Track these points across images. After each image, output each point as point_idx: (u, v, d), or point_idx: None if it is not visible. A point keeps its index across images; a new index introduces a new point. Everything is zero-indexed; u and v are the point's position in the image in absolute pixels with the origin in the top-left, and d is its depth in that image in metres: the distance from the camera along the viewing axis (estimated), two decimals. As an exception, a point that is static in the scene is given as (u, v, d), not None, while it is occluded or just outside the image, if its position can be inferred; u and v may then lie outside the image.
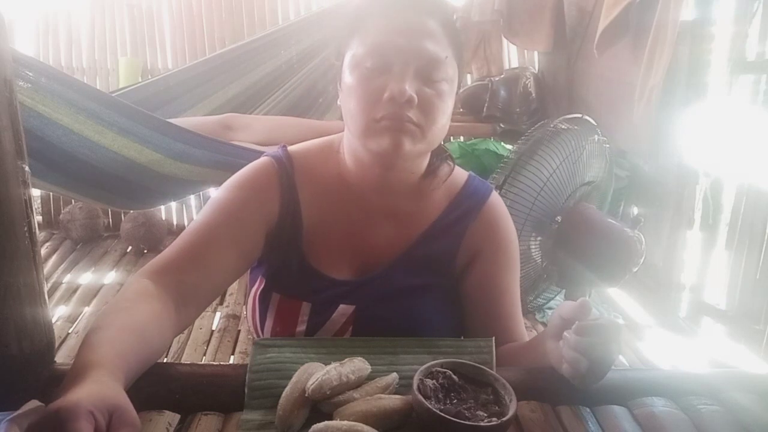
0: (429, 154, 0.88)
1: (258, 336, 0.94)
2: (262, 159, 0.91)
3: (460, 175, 0.94)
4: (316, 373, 0.64)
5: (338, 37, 0.86)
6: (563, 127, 1.81)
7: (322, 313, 0.87)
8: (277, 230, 0.88)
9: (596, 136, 1.82)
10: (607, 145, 1.85)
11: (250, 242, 0.86)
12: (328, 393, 0.63)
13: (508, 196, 1.74)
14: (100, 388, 0.55)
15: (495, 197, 0.94)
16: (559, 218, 1.86)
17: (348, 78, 0.81)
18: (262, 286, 0.93)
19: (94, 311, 2.49)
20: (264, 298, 0.92)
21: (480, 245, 0.90)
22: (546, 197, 1.81)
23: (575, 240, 1.83)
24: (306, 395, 0.62)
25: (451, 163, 0.93)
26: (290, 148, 0.93)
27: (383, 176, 0.86)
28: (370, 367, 0.68)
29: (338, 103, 0.85)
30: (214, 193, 0.88)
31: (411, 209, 0.90)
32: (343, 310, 0.87)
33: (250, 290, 0.98)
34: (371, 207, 0.89)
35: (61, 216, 3.43)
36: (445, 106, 0.80)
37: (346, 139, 0.89)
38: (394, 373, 0.69)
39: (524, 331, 0.92)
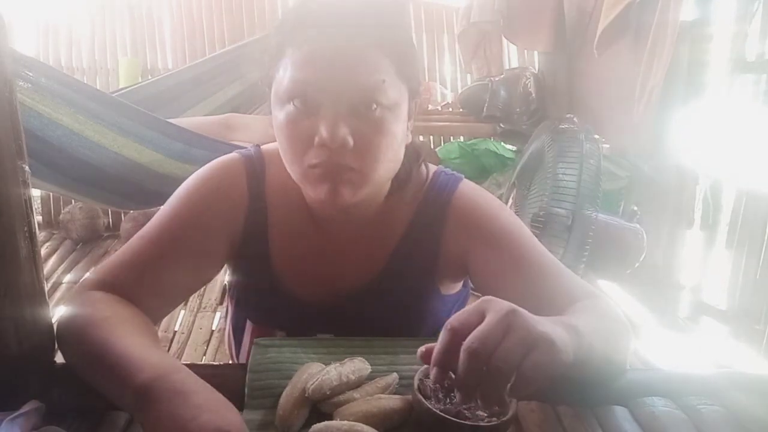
0: (390, 179, 0.79)
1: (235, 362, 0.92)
2: (231, 156, 0.82)
3: (425, 176, 0.83)
4: (316, 373, 0.64)
5: (263, 61, 0.74)
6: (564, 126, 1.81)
7: None
8: (242, 243, 0.80)
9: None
10: (588, 144, 1.84)
11: (213, 252, 0.79)
12: (328, 393, 0.62)
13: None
14: (228, 403, 0.54)
15: (461, 190, 0.82)
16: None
17: (277, 115, 0.71)
18: (232, 313, 0.88)
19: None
20: (236, 327, 0.87)
21: (465, 246, 0.80)
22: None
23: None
24: (306, 395, 0.62)
25: (424, 169, 0.83)
26: (264, 147, 0.83)
27: (338, 213, 0.78)
28: (370, 367, 0.68)
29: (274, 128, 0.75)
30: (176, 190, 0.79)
31: (377, 232, 0.81)
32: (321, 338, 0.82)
33: (226, 310, 0.94)
34: (336, 235, 0.81)
35: (61, 216, 3.43)
36: (389, 138, 0.70)
37: None
38: (395, 373, 0.69)
39: (581, 288, 0.75)
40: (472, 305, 0.56)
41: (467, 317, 0.54)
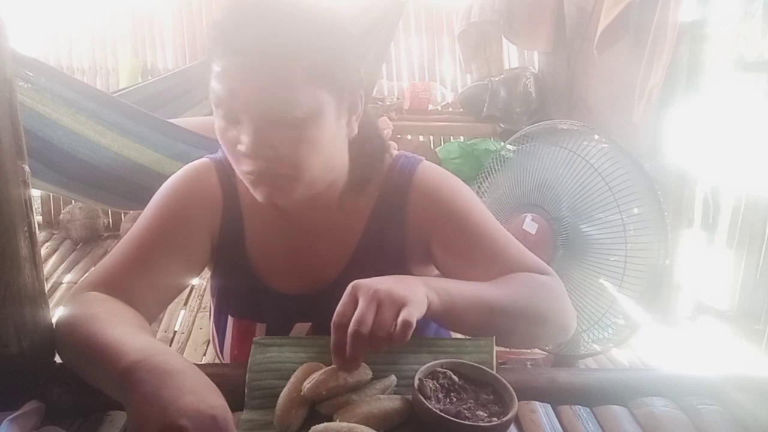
0: (343, 168, 0.81)
1: (221, 360, 0.93)
2: (201, 161, 0.85)
3: (387, 162, 0.85)
4: (313, 373, 0.64)
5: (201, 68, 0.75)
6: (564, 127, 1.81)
7: (279, 332, 0.84)
8: (220, 240, 0.83)
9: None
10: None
11: (196, 247, 0.81)
12: (324, 393, 0.62)
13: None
14: (212, 384, 0.54)
15: (421, 170, 0.84)
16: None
17: (215, 119, 0.74)
18: (214, 309, 0.90)
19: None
20: (219, 322, 0.89)
21: (429, 226, 0.82)
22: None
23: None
24: (302, 394, 0.62)
25: (388, 158, 0.85)
26: None
27: (295, 205, 0.80)
28: (371, 372, 0.68)
29: None
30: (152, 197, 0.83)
31: (343, 219, 0.83)
32: (300, 327, 0.84)
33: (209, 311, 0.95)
34: (304, 224, 0.84)
35: (61, 216, 3.43)
36: (313, 144, 0.70)
37: None
38: (393, 376, 0.68)
39: (533, 263, 0.80)
40: (344, 294, 0.64)
41: (344, 309, 0.63)
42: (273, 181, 0.72)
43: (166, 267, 0.77)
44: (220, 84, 0.69)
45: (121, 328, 0.62)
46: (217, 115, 0.72)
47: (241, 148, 0.69)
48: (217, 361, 0.96)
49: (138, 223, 0.79)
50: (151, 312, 0.77)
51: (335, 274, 0.84)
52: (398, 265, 0.84)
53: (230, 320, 0.87)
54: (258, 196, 0.74)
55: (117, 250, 0.77)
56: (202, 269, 0.85)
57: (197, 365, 0.71)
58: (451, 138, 3.35)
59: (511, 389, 0.63)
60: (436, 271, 0.90)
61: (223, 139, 0.72)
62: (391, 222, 0.83)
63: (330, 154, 0.75)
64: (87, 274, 0.78)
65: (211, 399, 0.50)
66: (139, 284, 0.75)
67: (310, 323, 0.84)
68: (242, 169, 0.72)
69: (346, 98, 0.74)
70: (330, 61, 0.71)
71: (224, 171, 0.83)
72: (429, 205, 0.82)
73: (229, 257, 0.84)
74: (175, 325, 2.37)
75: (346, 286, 0.78)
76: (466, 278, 0.78)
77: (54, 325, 0.69)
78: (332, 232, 0.84)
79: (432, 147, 3.37)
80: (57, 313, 0.70)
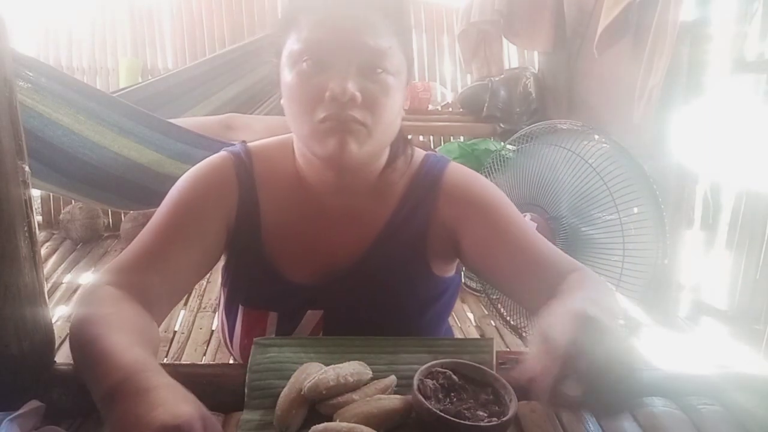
0: (387, 150, 0.84)
1: (230, 350, 0.94)
2: (219, 154, 0.87)
3: (416, 158, 0.88)
4: (313, 373, 0.64)
5: (275, 33, 0.80)
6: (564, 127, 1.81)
7: (290, 321, 0.85)
8: (236, 230, 0.84)
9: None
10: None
11: (212, 237, 0.82)
12: (324, 393, 0.62)
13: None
14: (186, 395, 0.53)
15: (452, 167, 0.87)
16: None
17: (287, 77, 0.76)
18: (225, 299, 0.91)
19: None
20: (229, 312, 0.89)
21: (456, 222, 0.83)
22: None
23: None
24: (302, 393, 0.62)
25: (410, 151, 0.87)
26: (250, 144, 0.89)
27: (338, 178, 0.81)
28: (371, 372, 0.68)
29: (281, 102, 0.80)
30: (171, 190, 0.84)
31: (370, 206, 0.85)
32: (312, 315, 0.85)
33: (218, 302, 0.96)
34: (329, 209, 0.84)
35: (61, 216, 3.43)
36: (392, 101, 0.75)
37: (295, 141, 0.84)
38: (393, 376, 0.69)
39: (567, 262, 0.80)
40: (532, 353, 0.57)
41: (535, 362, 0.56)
42: (350, 127, 0.72)
43: (182, 258, 0.78)
44: (314, 33, 0.73)
45: (119, 337, 0.61)
46: (298, 68, 0.74)
47: (328, 93, 0.71)
48: (221, 353, 0.97)
49: (156, 216, 0.81)
50: (168, 302, 0.78)
51: (351, 262, 0.84)
52: (417, 258, 0.85)
53: (241, 310, 0.87)
54: (328, 145, 0.73)
55: (136, 242, 0.78)
56: (218, 259, 0.86)
57: (197, 365, 0.71)
58: (451, 138, 3.35)
59: (511, 389, 0.63)
60: (451, 267, 0.91)
61: (306, 86, 0.73)
62: (417, 214, 0.84)
63: (395, 121, 0.78)
64: (107, 266, 0.76)
65: (177, 410, 0.50)
66: (156, 275, 0.75)
67: (321, 311, 0.85)
68: (320, 117, 0.72)
69: (410, 70, 0.80)
70: (409, 34, 0.80)
71: (241, 161, 0.85)
72: (460, 200, 0.84)
73: (244, 245, 0.85)
74: (175, 325, 2.37)
75: (362, 274, 0.83)
76: (498, 273, 0.83)
77: (71, 317, 0.68)
78: (354, 219, 0.85)
79: (432, 147, 3.37)
80: (57, 312, 0.70)
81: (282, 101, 0.79)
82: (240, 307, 0.87)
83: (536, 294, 0.77)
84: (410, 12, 0.79)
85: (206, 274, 0.84)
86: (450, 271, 0.91)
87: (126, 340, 0.61)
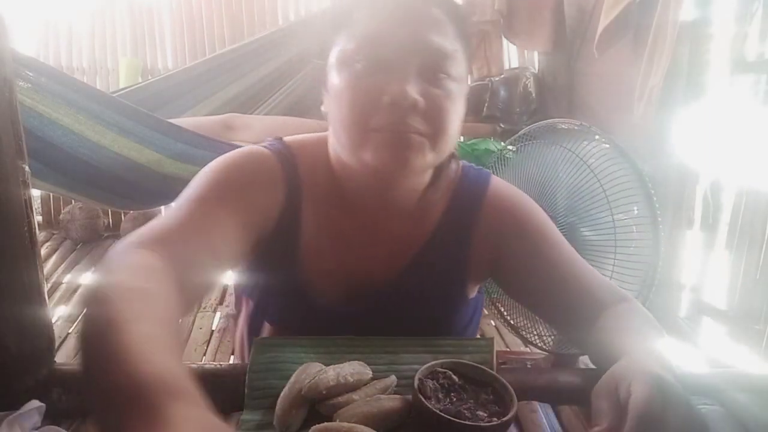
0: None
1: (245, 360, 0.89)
2: (256, 147, 0.77)
3: (454, 170, 0.81)
4: (313, 373, 0.64)
5: (321, 32, 0.72)
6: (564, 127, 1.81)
7: None
8: (275, 233, 0.76)
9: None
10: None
11: (252, 227, 0.72)
12: (324, 392, 0.62)
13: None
14: (214, 421, 0.42)
15: (495, 182, 0.81)
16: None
17: (335, 79, 0.67)
18: (250, 311, 0.84)
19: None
20: (253, 326, 0.84)
21: (501, 240, 0.78)
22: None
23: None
24: (302, 393, 0.62)
25: (456, 166, 0.80)
26: (286, 139, 0.79)
27: (381, 196, 0.74)
28: (371, 372, 0.68)
29: (322, 109, 0.72)
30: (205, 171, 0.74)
31: (407, 224, 0.78)
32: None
33: (237, 310, 0.90)
34: (365, 225, 0.77)
35: (61, 216, 3.44)
36: (457, 108, 0.67)
37: (334, 150, 0.75)
38: (393, 376, 0.68)
39: (611, 291, 0.76)
40: (599, 407, 0.55)
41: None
42: (411, 139, 0.64)
43: (225, 233, 0.68)
44: (371, 29, 0.65)
45: (145, 329, 0.47)
46: (350, 69, 0.66)
47: (386, 98, 0.63)
48: (221, 353, 0.95)
49: (192, 190, 0.70)
50: (204, 282, 0.66)
51: (387, 284, 0.78)
52: (456, 278, 0.80)
53: (266, 327, 0.82)
54: (382, 158, 0.65)
55: (172, 212, 0.67)
56: (245, 256, 0.75)
57: (197, 365, 0.71)
58: (451, 138, 3.35)
59: (511, 389, 0.63)
60: (477, 287, 0.86)
61: (360, 90, 0.65)
62: (459, 232, 0.79)
63: (457, 133, 0.70)
64: (139, 229, 0.63)
65: (157, 428, 0.39)
66: (194, 248, 0.64)
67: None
68: (375, 125, 0.64)
69: (468, 78, 0.73)
70: (471, 43, 0.71)
71: (285, 159, 0.76)
72: (504, 218, 0.78)
73: (280, 255, 0.77)
74: (175, 325, 2.37)
75: (398, 298, 0.76)
76: (538, 296, 0.78)
77: (96, 276, 0.56)
78: (396, 232, 0.78)
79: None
80: (57, 313, 0.69)
81: (323, 107, 0.72)
82: (265, 324, 0.82)
83: (573, 323, 0.74)
84: (470, 22, 0.71)
85: (234, 263, 0.73)
86: (475, 291, 0.87)
87: (153, 333, 0.48)
